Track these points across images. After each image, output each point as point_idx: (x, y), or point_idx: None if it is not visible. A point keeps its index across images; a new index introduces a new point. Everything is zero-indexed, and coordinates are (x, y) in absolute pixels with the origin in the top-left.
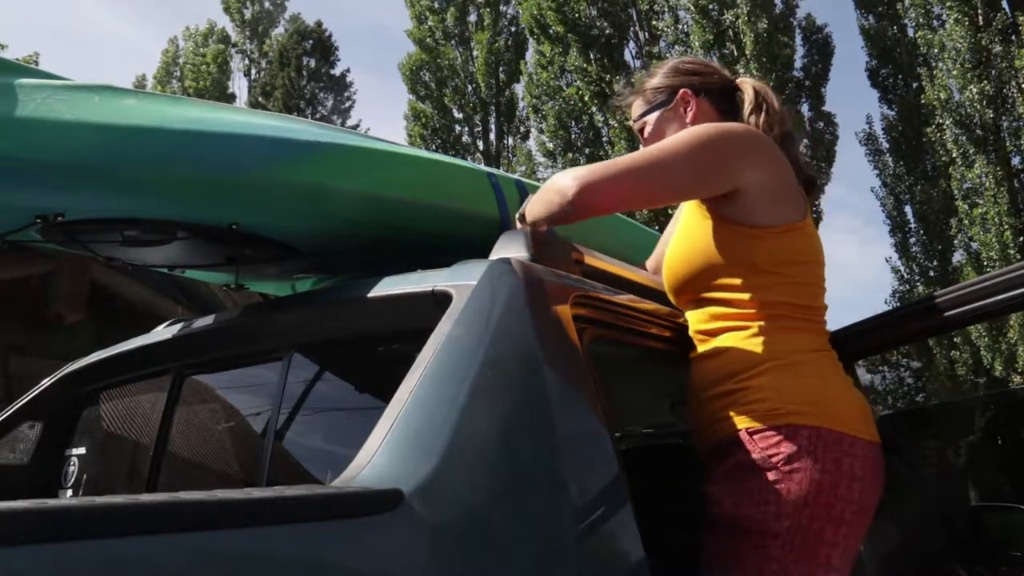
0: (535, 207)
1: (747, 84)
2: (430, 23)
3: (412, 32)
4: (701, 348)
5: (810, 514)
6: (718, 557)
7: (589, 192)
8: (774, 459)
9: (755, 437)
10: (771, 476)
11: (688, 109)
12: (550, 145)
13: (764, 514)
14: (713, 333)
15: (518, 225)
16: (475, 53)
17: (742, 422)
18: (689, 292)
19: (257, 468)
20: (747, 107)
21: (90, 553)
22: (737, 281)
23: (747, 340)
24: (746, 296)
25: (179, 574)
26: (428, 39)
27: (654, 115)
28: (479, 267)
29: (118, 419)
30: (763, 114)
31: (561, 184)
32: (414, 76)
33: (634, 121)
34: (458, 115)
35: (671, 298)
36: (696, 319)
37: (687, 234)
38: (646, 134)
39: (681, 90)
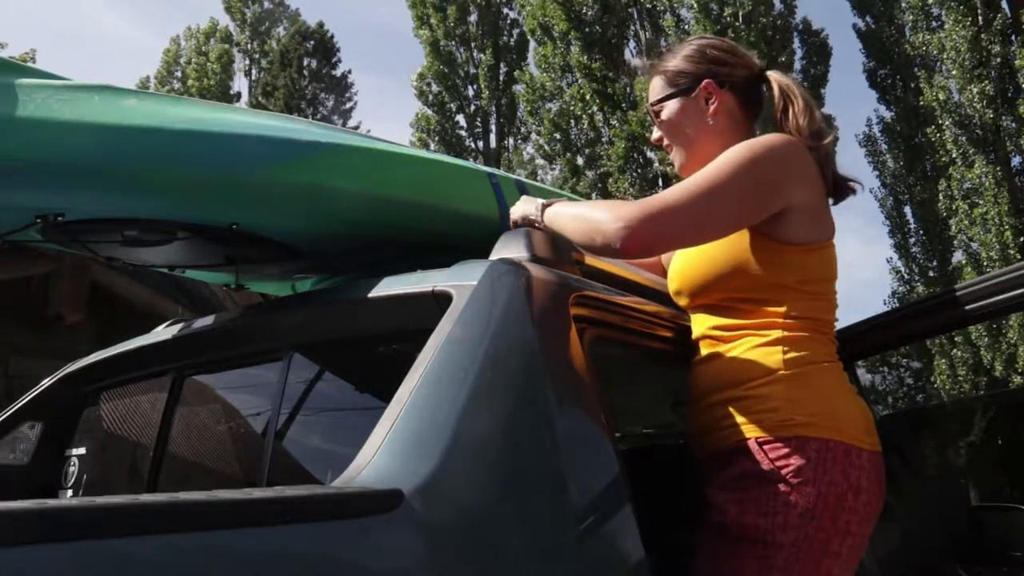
0: (568, 230)
1: (773, 79)
2: (432, 21)
3: (423, 35)
4: (709, 352)
5: (816, 526)
6: (718, 564)
7: (637, 238)
8: (783, 471)
9: (765, 447)
10: (780, 487)
11: (711, 102)
12: (548, 148)
13: (771, 524)
14: (726, 339)
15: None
16: (476, 54)
17: (751, 431)
18: (706, 298)
19: (257, 468)
20: (776, 106)
21: (90, 553)
22: (762, 295)
23: (760, 348)
24: (768, 308)
25: (178, 575)
26: (440, 41)
27: (674, 102)
28: (479, 267)
29: (118, 419)
30: (790, 114)
31: (606, 227)
32: (422, 82)
33: (651, 104)
34: (459, 117)
35: (679, 299)
36: (707, 323)
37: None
38: (663, 117)
39: (705, 80)
